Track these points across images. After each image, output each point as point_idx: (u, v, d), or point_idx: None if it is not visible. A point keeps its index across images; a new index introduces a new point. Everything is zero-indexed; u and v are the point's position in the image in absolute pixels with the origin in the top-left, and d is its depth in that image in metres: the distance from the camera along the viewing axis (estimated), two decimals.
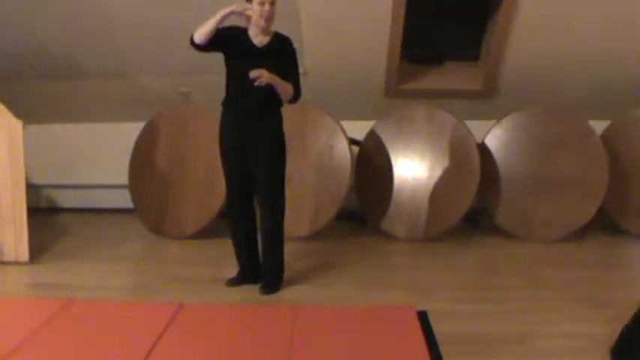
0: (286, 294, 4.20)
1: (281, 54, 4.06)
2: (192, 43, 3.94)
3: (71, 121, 6.46)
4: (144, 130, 5.84)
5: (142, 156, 5.81)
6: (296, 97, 4.11)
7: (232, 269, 4.37)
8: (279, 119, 4.13)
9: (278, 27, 4.08)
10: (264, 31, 4.03)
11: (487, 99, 5.90)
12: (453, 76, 5.93)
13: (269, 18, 3.96)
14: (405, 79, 5.86)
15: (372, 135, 5.70)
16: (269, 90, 3.96)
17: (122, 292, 4.33)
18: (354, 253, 5.16)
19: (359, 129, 5.75)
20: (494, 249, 5.27)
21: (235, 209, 4.24)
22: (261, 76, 3.87)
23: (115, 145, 6.18)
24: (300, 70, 4.20)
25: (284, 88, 4.04)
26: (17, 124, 4.74)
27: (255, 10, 3.94)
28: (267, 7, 3.92)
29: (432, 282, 4.44)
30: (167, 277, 4.58)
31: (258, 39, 4.03)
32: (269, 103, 4.02)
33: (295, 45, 4.12)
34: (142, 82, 5.98)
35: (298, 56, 4.15)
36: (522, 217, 5.46)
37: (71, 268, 4.80)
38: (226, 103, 4.12)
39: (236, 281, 4.33)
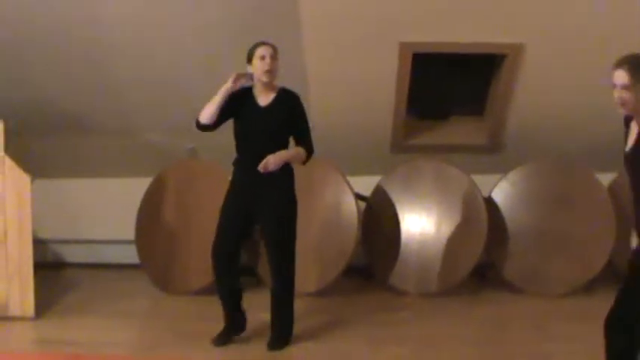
0: (293, 351, 4.15)
1: (287, 111, 4.02)
2: (199, 125, 3.94)
3: (79, 176, 6.48)
4: (151, 185, 5.86)
5: (150, 211, 5.82)
6: (309, 154, 4.08)
7: None
8: (289, 178, 4.07)
9: (285, 82, 4.10)
10: (268, 86, 4.00)
11: (493, 153, 5.92)
12: (458, 131, 5.97)
13: (271, 72, 3.92)
14: (411, 134, 5.90)
15: (378, 190, 5.71)
16: (277, 149, 3.93)
17: (128, 348, 4.30)
18: (362, 308, 5.11)
19: (365, 184, 5.76)
20: (502, 303, 5.23)
21: (219, 252, 4.10)
22: (267, 166, 3.85)
23: (123, 200, 6.17)
24: (310, 124, 4.17)
25: (294, 158, 4.03)
26: (26, 179, 4.77)
27: (256, 67, 3.91)
28: (267, 60, 3.88)
29: (440, 337, 4.40)
30: (173, 333, 4.55)
31: (263, 97, 4.01)
32: None
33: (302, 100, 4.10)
34: (148, 139, 6.04)
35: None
36: (530, 271, 5.41)
37: (77, 323, 4.77)
38: (236, 163, 4.12)
39: (224, 337, 4.21)
